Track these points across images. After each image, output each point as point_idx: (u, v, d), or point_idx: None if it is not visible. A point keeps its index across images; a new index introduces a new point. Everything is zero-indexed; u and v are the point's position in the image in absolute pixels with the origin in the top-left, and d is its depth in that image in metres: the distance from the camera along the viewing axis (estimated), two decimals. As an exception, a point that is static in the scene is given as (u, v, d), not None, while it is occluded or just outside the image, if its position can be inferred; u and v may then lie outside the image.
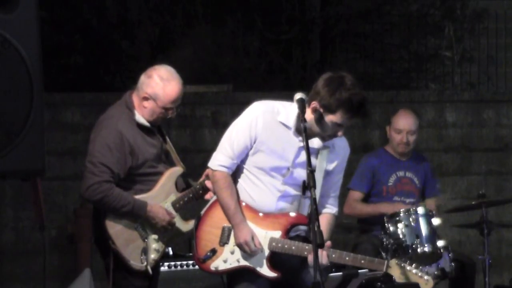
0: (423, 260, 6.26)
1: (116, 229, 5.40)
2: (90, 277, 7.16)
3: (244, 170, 5.04)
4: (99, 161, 5.34)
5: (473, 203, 6.71)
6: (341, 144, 5.09)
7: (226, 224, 5.05)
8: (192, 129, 8.51)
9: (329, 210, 5.12)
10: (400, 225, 6.23)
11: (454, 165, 8.87)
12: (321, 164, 4.94)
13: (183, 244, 6.91)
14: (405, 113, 6.99)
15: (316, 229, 4.45)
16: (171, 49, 9.94)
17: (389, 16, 11.22)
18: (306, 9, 11.09)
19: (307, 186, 4.59)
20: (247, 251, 4.95)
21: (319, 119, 4.83)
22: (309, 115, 4.87)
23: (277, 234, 4.98)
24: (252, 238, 4.95)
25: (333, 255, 4.93)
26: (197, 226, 5.15)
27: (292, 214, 4.99)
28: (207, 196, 5.50)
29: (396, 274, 4.99)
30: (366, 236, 6.85)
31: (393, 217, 6.32)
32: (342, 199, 6.92)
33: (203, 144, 8.34)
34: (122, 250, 5.38)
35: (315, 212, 4.49)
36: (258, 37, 10.66)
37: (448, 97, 9.12)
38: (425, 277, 4.98)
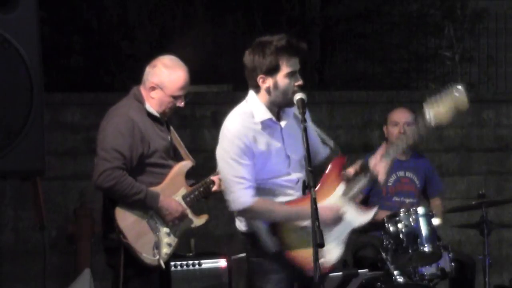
0: (423, 260, 6.27)
1: (127, 223, 5.34)
2: (90, 277, 7.16)
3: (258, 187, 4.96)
4: (111, 147, 5.30)
5: (473, 203, 6.71)
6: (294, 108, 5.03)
7: (301, 224, 4.91)
8: (192, 129, 8.51)
9: (330, 144, 5.21)
10: (400, 225, 6.23)
11: (454, 165, 8.87)
12: (297, 135, 4.88)
13: (183, 244, 6.91)
14: (400, 108, 7.09)
15: (316, 229, 4.45)
16: (171, 49, 9.93)
17: (389, 16, 11.22)
18: (306, 9, 11.09)
19: (307, 186, 4.59)
20: (345, 211, 4.95)
21: (275, 86, 4.81)
22: (264, 95, 4.86)
23: (341, 188, 5.01)
24: (334, 207, 4.94)
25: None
26: (287, 255, 4.92)
27: (333, 162, 5.05)
28: (215, 188, 5.54)
29: (435, 114, 4.96)
30: (366, 236, 6.85)
31: (393, 217, 6.32)
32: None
33: (203, 144, 8.34)
34: (133, 243, 5.32)
35: (315, 212, 4.49)
36: (258, 37, 10.64)
37: (448, 97, 9.11)
38: (454, 92, 4.97)
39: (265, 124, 4.89)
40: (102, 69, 10.11)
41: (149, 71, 5.50)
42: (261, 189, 4.90)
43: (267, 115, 4.88)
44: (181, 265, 6.70)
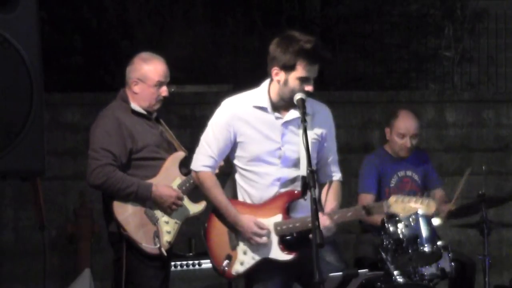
0: (423, 260, 6.26)
1: (125, 215, 5.47)
2: (90, 277, 7.17)
3: (240, 170, 5.05)
4: (99, 147, 5.48)
5: (473, 203, 6.71)
6: (322, 110, 5.11)
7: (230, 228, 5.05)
8: (192, 129, 8.50)
9: (335, 177, 5.16)
10: (400, 225, 6.22)
11: (454, 165, 8.86)
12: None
13: (183, 244, 6.91)
14: (407, 116, 6.90)
15: (316, 229, 4.46)
16: (171, 49, 9.93)
17: (389, 16, 11.21)
18: (306, 9, 11.09)
19: (308, 185, 4.59)
20: (259, 241, 4.93)
21: (285, 82, 4.87)
22: (275, 86, 4.93)
23: (279, 217, 4.99)
24: (257, 225, 4.93)
25: (335, 217, 4.94)
26: (206, 239, 5.13)
27: (282, 191, 4.99)
28: (193, 174, 5.57)
29: (398, 210, 5.01)
30: (366, 236, 6.85)
31: (393, 217, 6.31)
32: (355, 203, 6.91)
33: (203, 144, 8.32)
34: (133, 234, 5.43)
35: (315, 212, 4.50)
36: (258, 37, 10.65)
37: (448, 97, 9.12)
38: (425, 202, 5.02)
39: (258, 110, 4.97)
40: (102, 69, 10.11)
41: (129, 70, 5.71)
42: (246, 171, 5.01)
43: (263, 103, 4.96)
44: (181, 265, 6.70)
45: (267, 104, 4.96)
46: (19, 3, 4.34)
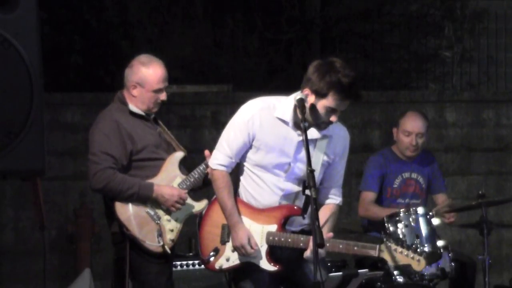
0: (423, 260, 6.26)
1: (127, 215, 5.48)
2: (90, 277, 7.17)
3: (246, 170, 5.06)
4: (99, 150, 5.49)
5: (473, 203, 6.70)
6: (340, 134, 5.10)
7: (226, 222, 5.07)
8: (192, 129, 8.52)
9: (333, 200, 5.15)
10: (400, 225, 6.22)
11: (454, 165, 8.87)
12: (318, 155, 4.93)
13: (183, 244, 6.91)
14: (414, 115, 6.88)
15: (316, 229, 4.46)
16: (171, 49, 9.93)
17: (389, 16, 11.21)
18: (306, 9, 11.09)
19: (307, 186, 4.60)
20: (243, 253, 4.97)
21: (312, 106, 4.85)
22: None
23: (273, 228, 5.01)
24: (249, 240, 4.97)
25: (327, 244, 4.90)
26: (199, 227, 5.16)
27: (284, 203, 5.01)
28: (209, 170, 5.59)
29: (388, 258, 5.00)
30: (367, 236, 6.84)
31: (393, 217, 6.31)
32: (355, 202, 6.91)
33: (203, 144, 8.33)
34: (136, 233, 5.45)
35: (315, 212, 4.50)
36: (258, 37, 10.66)
37: (448, 97, 9.12)
38: (417, 258, 5.00)
39: (280, 122, 4.96)
40: (102, 69, 10.11)
41: (128, 72, 5.69)
42: (253, 173, 5.03)
43: (285, 117, 4.95)
44: (181, 265, 6.69)
45: (289, 119, 4.94)
46: (19, 3, 4.34)
